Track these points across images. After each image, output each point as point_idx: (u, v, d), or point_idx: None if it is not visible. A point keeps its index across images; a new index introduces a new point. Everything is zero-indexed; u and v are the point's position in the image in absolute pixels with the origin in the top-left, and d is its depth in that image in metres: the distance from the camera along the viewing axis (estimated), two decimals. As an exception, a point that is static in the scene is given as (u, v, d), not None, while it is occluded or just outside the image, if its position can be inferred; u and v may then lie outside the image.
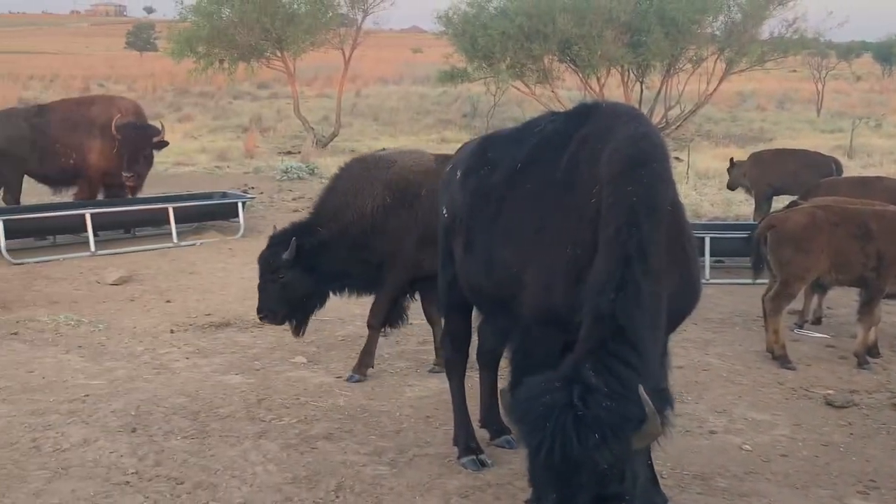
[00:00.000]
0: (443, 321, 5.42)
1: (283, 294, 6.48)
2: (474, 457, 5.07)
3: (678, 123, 22.70)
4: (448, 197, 4.96)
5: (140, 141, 11.22)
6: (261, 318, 6.66)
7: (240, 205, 11.83)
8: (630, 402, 3.24)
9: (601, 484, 3.16)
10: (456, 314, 5.17)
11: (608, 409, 3.18)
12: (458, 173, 4.89)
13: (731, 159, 12.75)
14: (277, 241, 6.49)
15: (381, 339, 7.38)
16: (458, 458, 5.10)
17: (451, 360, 5.32)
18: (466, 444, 5.13)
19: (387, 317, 6.66)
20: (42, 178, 11.80)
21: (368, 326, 6.67)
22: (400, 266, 6.43)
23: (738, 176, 12.47)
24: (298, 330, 6.73)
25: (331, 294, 6.74)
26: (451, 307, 5.15)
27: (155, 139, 11.40)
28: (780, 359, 6.98)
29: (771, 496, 4.76)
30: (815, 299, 8.11)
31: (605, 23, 20.70)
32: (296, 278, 6.44)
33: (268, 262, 6.50)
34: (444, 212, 4.99)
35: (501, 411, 3.29)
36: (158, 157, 18.06)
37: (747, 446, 5.40)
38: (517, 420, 3.31)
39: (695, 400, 6.14)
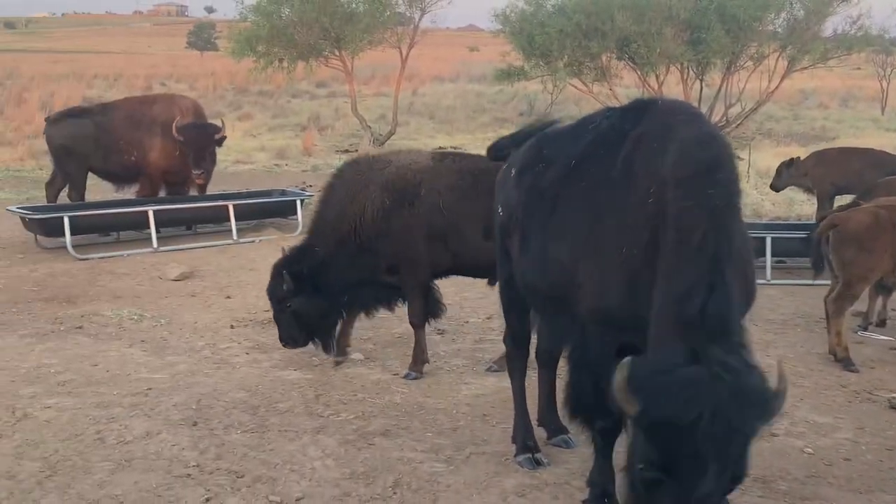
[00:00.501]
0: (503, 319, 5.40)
1: (298, 321, 6.57)
2: (531, 455, 5.06)
3: (739, 122, 22.35)
4: (503, 196, 4.94)
5: (203, 140, 11.40)
6: (284, 346, 6.71)
7: (298, 202, 11.95)
8: (759, 379, 3.26)
9: (739, 460, 3.16)
10: (514, 313, 5.16)
11: (752, 383, 3.20)
12: (513, 171, 4.86)
13: (793, 159, 12.41)
14: (278, 272, 6.55)
15: (437, 337, 7.44)
16: (515, 455, 5.10)
17: (511, 358, 5.32)
18: (524, 443, 5.12)
19: (425, 312, 6.68)
20: (106, 175, 12.06)
21: (412, 325, 6.70)
22: (412, 267, 6.47)
23: (796, 175, 12.18)
24: (326, 348, 6.76)
25: (349, 308, 6.78)
26: (509, 306, 5.15)
27: (216, 136, 11.56)
28: (843, 361, 6.85)
29: (833, 500, 4.67)
30: (878, 301, 7.94)
31: (664, 20, 20.47)
32: (304, 303, 6.50)
33: (274, 294, 6.58)
34: (500, 210, 4.96)
35: (619, 387, 3.20)
36: (218, 155, 18.38)
37: (809, 449, 5.31)
38: (648, 394, 3.22)
39: (755, 402, 6.05)
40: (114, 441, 5.24)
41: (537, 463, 5.03)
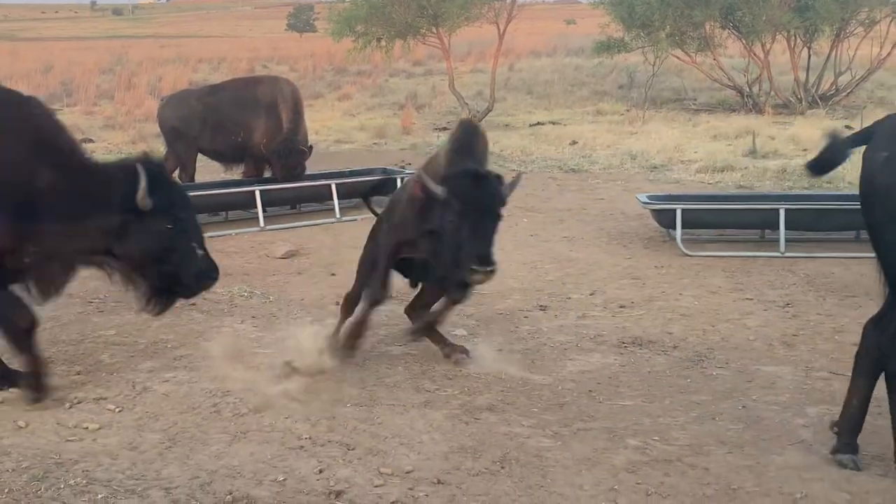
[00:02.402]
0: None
1: None
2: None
3: (849, 90, 21.62)
4: None
5: (293, 164, 11.53)
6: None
7: (399, 180, 12.01)
8: None
9: None
10: None
11: None
12: None
13: None
14: None
15: (540, 313, 7.44)
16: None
17: (867, 367, 4.70)
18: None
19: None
20: (214, 156, 12.36)
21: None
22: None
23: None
24: None
25: None
26: None
27: (305, 160, 11.69)
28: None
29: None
30: None
31: (770, -14, 19.91)
32: None
33: None
34: None
35: None
36: (320, 135, 18.59)
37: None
38: None
39: (872, 379, 5.86)
40: (229, 414, 5.40)
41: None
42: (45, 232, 5.38)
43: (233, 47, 49.72)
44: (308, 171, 12.38)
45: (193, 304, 7.78)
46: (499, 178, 5.58)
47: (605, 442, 5.01)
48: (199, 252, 5.69)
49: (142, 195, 5.37)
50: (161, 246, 5.54)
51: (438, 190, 5.44)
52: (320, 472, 4.65)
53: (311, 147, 11.99)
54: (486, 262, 5.30)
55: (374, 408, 5.49)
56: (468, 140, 5.88)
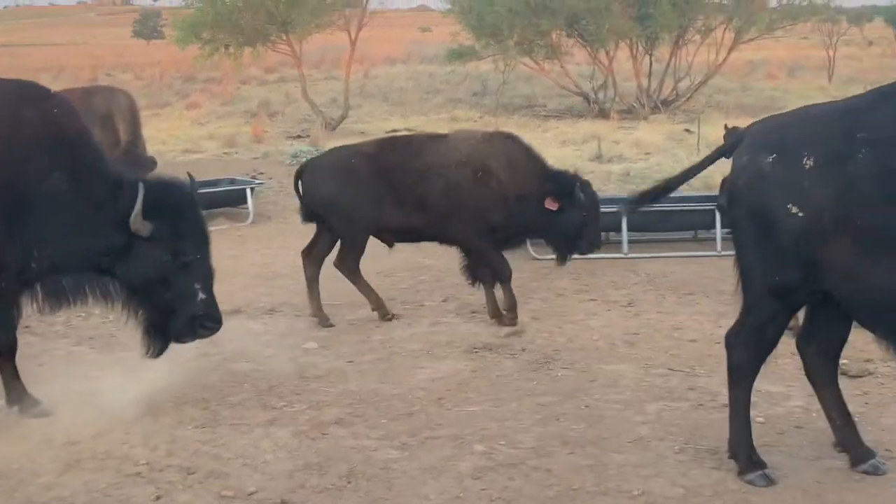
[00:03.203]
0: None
1: None
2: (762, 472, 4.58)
3: (688, 95, 22.57)
4: (795, 193, 4.21)
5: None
6: None
7: (248, 191, 11.79)
8: None
9: None
10: (777, 326, 4.69)
11: None
12: (808, 162, 4.17)
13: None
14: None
15: (392, 322, 7.44)
16: (741, 474, 4.60)
17: (743, 369, 4.69)
18: (749, 458, 4.64)
19: None
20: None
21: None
22: None
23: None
24: None
25: None
26: (773, 316, 4.66)
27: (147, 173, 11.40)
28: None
29: (785, 468, 4.70)
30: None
31: (611, -4, 20.59)
32: None
33: None
34: (796, 210, 4.21)
35: None
36: (167, 145, 18.07)
37: (760, 418, 5.33)
38: None
39: (707, 373, 6.09)
40: (62, 441, 5.13)
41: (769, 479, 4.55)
42: (50, 239, 5.05)
43: (75, 55, 47.79)
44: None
45: (27, 327, 7.40)
46: None
47: (452, 449, 5.02)
48: (201, 295, 5.31)
49: (134, 218, 5.02)
50: (156, 277, 5.20)
51: (582, 196, 7.16)
52: (157, 498, 4.48)
53: (153, 159, 11.62)
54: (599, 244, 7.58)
55: (216, 428, 5.33)
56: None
